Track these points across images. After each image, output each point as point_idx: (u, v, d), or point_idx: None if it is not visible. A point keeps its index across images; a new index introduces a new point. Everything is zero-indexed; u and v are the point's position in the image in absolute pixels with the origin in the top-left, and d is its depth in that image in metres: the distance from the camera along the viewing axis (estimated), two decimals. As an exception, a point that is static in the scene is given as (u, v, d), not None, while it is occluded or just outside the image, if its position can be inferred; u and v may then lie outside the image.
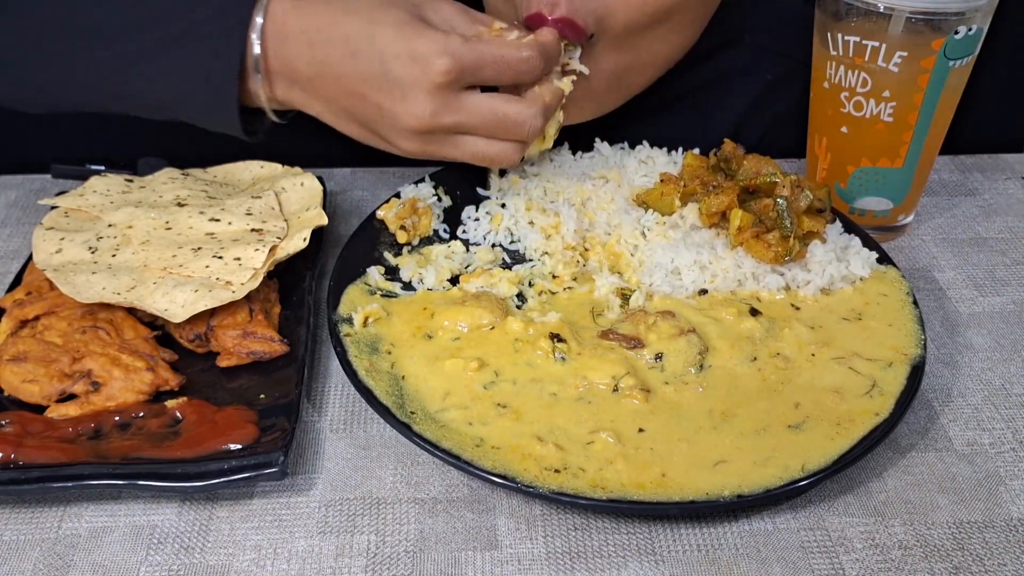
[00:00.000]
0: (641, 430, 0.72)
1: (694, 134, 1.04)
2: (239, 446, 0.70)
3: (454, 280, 0.88)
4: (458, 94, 0.77)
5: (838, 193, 0.96)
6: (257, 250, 0.82)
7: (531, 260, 0.90)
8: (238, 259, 0.81)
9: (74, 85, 0.81)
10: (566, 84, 0.84)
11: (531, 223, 0.92)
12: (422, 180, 0.98)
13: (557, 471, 0.69)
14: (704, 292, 0.85)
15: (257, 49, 0.76)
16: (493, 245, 0.92)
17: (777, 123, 1.12)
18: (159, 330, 0.81)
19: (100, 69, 0.79)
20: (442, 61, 0.74)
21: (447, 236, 0.93)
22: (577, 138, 1.01)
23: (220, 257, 0.81)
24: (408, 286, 0.87)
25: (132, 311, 0.80)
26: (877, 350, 0.79)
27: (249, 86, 0.79)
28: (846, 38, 0.88)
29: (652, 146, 1.00)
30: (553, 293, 0.86)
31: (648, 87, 0.95)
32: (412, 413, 0.73)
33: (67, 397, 0.75)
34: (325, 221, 0.88)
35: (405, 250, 0.91)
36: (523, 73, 0.78)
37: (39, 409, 0.74)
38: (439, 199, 0.96)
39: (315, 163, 1.01)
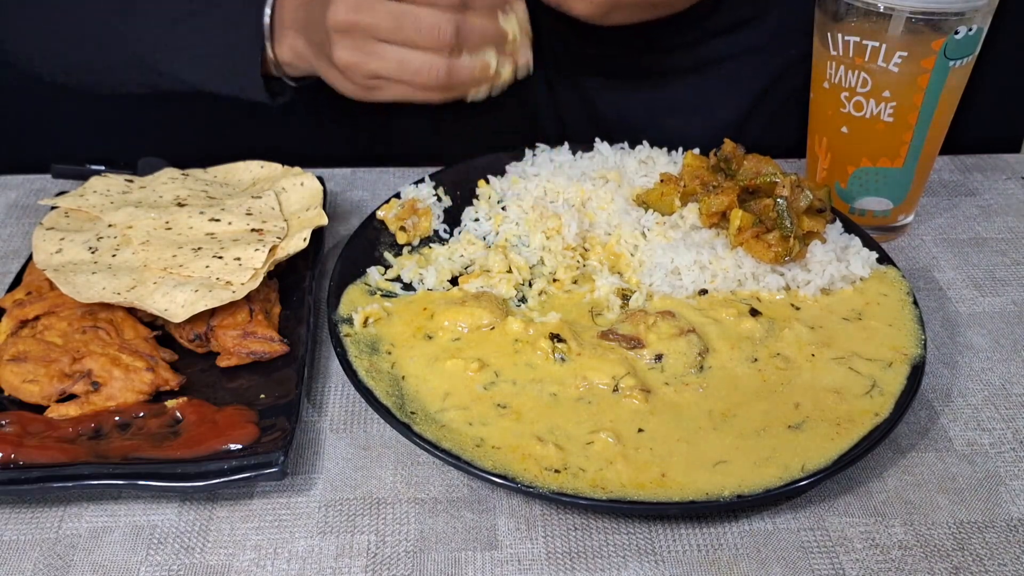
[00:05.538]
0: (641, 430, 0.72)
1: (720, 100, 1.10)
2: (239, 446, 0.70)
3: (454, 280, 0.88)
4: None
5: (838, 193, 0.96)
6: (257, 250, 0.82)
7: (531, 261, 0.90)
8: (238, 259, 0.81)
9: (119, 63, 0.95)
10: (511, 24, 0.85)
11: (531, 224, 0.92)
12: (422, 180, 0.98)
13: (557, 471, 0.69)
14: (704, 292, 0.85)
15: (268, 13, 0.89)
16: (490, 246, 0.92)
17: (795, 95, 1.12)
18: (159, 330, 0.81)
19: (138, 45, 0.93)
20: None
21: (447, 236, 0.93)
22: (581, 136, 1.01)
23: (220, 257, 0.81)
24: (408, 286, 0.87)
25: (132, 311, 0.80)
26: (877, 350, 0.79)
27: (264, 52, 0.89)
28: (846, 38, 0.88)
29: (652, 146, 1.00)
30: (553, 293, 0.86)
31: (678, 51, 1.05)
32: (412, 413, 0.73)
33: (67, 397, 0.75)
34: (325, 221, 0.88)
35: (405, 250, 0.91)
36: (422, 30, 0.81)
37: (39, 409, 0.74)
38: (439, 199, 0.96)
39: (315, 163, 1.01)
